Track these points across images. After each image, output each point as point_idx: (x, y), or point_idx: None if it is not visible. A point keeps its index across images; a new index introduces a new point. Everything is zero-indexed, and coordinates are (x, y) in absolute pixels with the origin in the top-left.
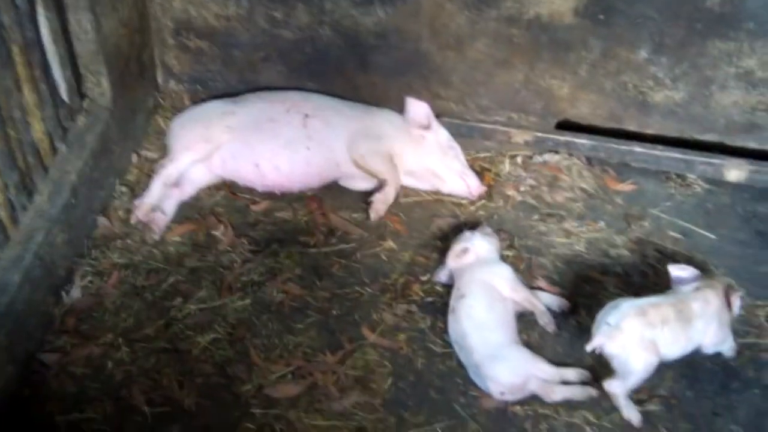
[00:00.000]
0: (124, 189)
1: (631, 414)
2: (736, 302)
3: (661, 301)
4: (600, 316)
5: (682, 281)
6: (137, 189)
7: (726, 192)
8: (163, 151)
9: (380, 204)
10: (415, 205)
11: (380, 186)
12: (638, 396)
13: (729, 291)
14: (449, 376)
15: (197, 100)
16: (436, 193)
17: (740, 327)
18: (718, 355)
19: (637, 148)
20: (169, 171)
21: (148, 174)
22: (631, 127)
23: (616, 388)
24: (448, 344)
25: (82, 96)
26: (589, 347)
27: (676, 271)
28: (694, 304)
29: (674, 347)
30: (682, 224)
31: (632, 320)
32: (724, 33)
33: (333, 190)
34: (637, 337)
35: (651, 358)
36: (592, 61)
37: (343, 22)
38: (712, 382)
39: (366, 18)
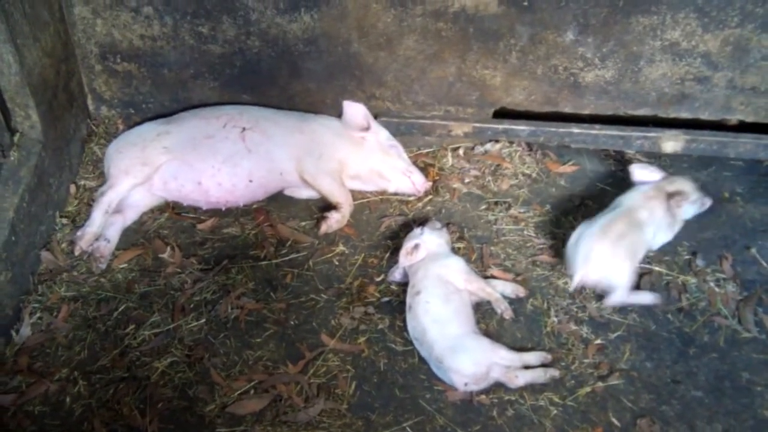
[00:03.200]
0: (65, 221)
1: (644, 298)
2: (677, 207)
3: (612, 217)
4: (568, 255)
5: (643, 183)
6: (78, 220)
7: (665, 163)
8: (102, 179)
9: (334, 222)
10: (363, 207)
11: (334, 206)
12: (599, 371)
13: (671, 196)
14: (412, 373)
15: (131, 123)
16: (383, 193)
17: (691, 294)
18: (673, 323)
19: (575, 129)
20: (109, 198)
21: (88, 203)
22: (567, 109)
23: (613, 302)
24: (408, 342)
25: (12, 131)
26: (572, 288)
27: (639, 173)
28: (641, 214)
29: (639, 254)
30: None
31: (598, 246)
32: (646, 8)
33: (279, 200)
34: (608, 258)
35: (627, 265)
36: (521, 48)
37: (270, 32)
38: (670, 351)
39: (293, 25)
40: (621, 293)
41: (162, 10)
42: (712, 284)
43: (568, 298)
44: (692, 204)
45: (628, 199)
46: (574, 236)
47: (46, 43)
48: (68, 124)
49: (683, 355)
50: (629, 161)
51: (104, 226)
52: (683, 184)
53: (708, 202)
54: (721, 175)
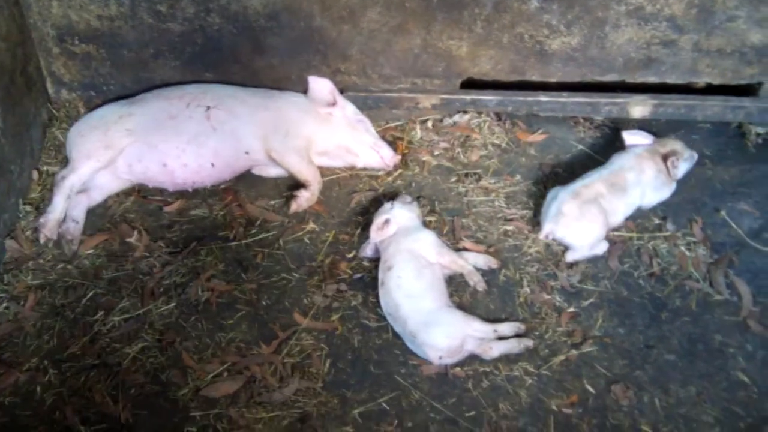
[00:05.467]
0: (28, 208)
1: (600, 248)
2: (674, 168)
3: (593, 179)
4: (544, 207)
5: (635, 146)
6: (42, 206)
7: (634, 129)
8: (65, 165)
9: (304, 201)
10: (332, 184)
11: (303, 184)
12: (572, 339)
13: (667, 157)
14: (387, 348)
15: (93, 106)
16: (352, 168)
17: (662, 258)
18: (644, 288)
19: (543, 97)
20: (71, 182)
21: (51, 190)
22: (534, 77)
23: (570, 257)
24: (381, 318)
25: None
26: (541, 236)
27: (630, 138)
28: (629, 175)
29: (615, 216)
30: (596, 165)
31: (569, 204)
32: None
33: (247, 180)
34: (575, 219)
35: (597, 230)
36: (485, 17)
37: (230, 8)
38: (642, 316)
39: (253, 0)
40: (581, 252)
41: None
42: (682, 248)
43: (539, 264)
44: (686, 161)
45: (620, 159)
46: (555, 190)
47: (1, 27)
48: (27, 108)
49: (656, 320)
50: (598, 128)
51: (69, 208)
52: (675, 144)
53: (695, 155)
54: (690, 139)
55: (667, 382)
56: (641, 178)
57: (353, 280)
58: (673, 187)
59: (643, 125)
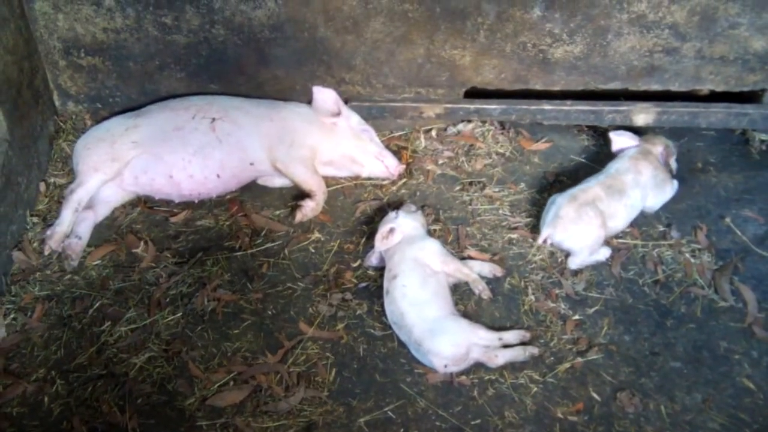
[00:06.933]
0: (35, 220)
1: (601, 254)
2: (672, 162)
3: (590, 184)
4: (543, 214)
5: (622, 148)
6: (49, 218)
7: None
8: (71, 176)
9: (309, 210)
10: (337, 193)
11: (308, 194)
12: (578, 347)
13: (664, 153)
14: (392, 357)
15: (99, 118)
16: (356, 178)
17: (667, 266)
18: (649, 295)
19: (547, 106)
20: (78, 196)
21: (58, 201)
22: (538, 86)
23: (573, 264)
24: (387, 326)
25: None
26: (539, 241)
27: (617, 139)
28: (626, 178)
29: (615, 220)
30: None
31: (566, 207)
32: None
33: (252, 190)
34: (572, 222)
35: (594, 232)
36: (488, 26)
37: (235, 19)
38: (648, 324)
39: (258, 12)
40: (581, 257)
41: (124, 2)
42: (687, 255)
43: (544, 272)
44: (674, 153)
45: (615, 163)
46: (553, 196)
47: (7, 40)
48: (35, 121)
49: (661, 327)
50: (602, 135)
51: (75, 223)
52: (662, 139)
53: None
54: (694, 146)
55: (673, 389)
56: (639, 179)
57: (358, 289)
58: (675, 185)
59: (646, 133)
